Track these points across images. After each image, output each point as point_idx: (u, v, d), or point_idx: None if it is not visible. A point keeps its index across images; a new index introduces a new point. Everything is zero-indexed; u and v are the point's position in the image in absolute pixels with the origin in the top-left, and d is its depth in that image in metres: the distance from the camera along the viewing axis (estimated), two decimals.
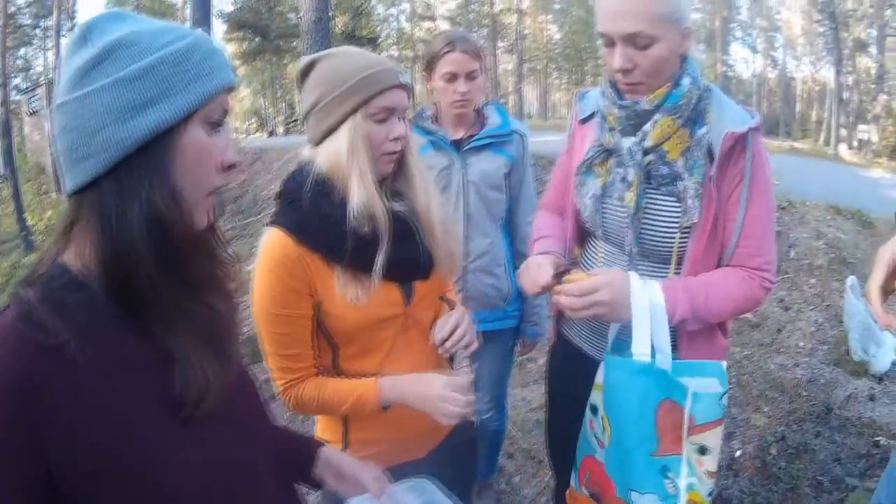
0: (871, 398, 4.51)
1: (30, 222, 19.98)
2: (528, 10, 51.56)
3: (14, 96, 31.55)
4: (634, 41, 1.81)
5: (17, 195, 20.48)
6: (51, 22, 33.44)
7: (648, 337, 1.82)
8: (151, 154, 1.02)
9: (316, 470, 1.52)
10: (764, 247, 1.97)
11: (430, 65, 2.89)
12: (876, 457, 3.94)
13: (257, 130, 53.43)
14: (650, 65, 1.84)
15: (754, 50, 54.13)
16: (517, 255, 3.08)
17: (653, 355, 1.82)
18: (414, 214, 1.86)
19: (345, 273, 1.77)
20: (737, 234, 1.94)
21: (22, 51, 41.32)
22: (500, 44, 50.91)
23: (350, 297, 1.76)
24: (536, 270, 1.99)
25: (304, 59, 1.85)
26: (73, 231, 1.06)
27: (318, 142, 1.79)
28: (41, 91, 29.36)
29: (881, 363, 4.80)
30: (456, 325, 1.88)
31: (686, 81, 1.89)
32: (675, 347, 1.95)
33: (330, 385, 1.84)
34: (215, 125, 1.10)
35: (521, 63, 52.33)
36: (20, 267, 17.08)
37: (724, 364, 1.81)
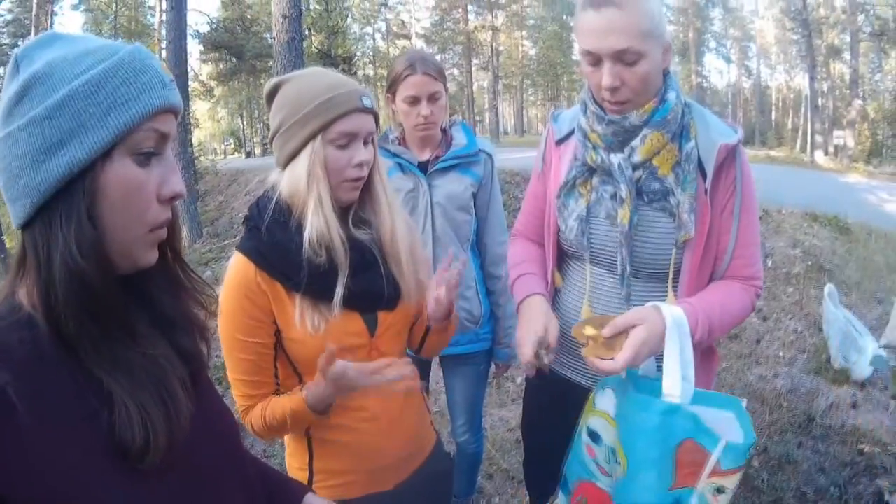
0: (854, 405, 4.55)
1: (7, 245, 19.91)
2: (503, 26, 51.84)
3: None
4: (623, 58, 1.79)
5: None
6: (29, 41, 33.45)
7: (679, 376, 1.77)
8: (70, 196, 0.95)
9: None
10: (754, 255, 1.99)
11: (391, 87, 2.85)
12: (861, 464, 3.95)
13: (234, 151, 53.49)
14: (638, 81, 1.82)
15: (728, 60, 55.07)
16: (487, 277, 3.04)
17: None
18: (379, 243, 1.83)
19: (303, 301, 1.74)
20: (732, 245, 1.95)
21: (0, 70, 41.43)
22: (475, 61, 51.15)
23: (309, 325, 1.72)
24: (544, 328, 1.90)
25: (271, 82, 1.83)
26: (23, 266, 1.01)
27: (283, 166, 1.77)
28: None
29: (862, 370, 4.84)
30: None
31: (671, 96, 1.88)
32: None
33: (268, 407, 1.80)
34: (149, 155, 1.02)
35: (497, 80, 52.57)
36: None
37: (744, 402, 1.78)
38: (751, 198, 1.94)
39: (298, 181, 1.70)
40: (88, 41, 1.02)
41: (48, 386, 0.95)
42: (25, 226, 0.98)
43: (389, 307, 1.86)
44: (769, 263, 7.07)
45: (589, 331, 1.79)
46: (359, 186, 1.79)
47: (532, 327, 1.92)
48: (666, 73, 1.92)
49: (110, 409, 0.98)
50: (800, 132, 44.15)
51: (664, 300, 1.95)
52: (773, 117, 57.01)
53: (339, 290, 1.72)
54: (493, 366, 3.24)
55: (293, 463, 1.97)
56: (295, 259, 1.70)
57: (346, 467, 1.90)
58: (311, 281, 1.71)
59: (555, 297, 2.24)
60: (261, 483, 1.39)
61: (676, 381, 1.76)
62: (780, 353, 5.49)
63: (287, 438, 2.00)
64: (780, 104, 58.13)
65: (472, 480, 3.61)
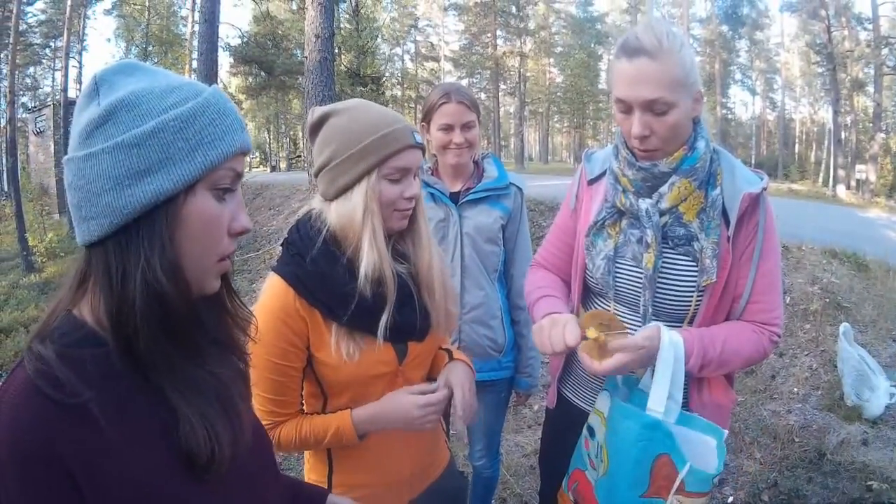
0: (864, 442, 4.55)
1: (31, 243, 20.03)
2: (531, 52, 51.90)
3: (21, 114, 31.69)
4: (652, 108, 1.85)
5: (19, 214, 20.74)
6: (61, 43, 33.64)
7: (666, 394, 1.86)
8: (153, 222, 1.01)
9: None
10: (773, 301, 2.02)
11: (426, 116, 2.93)
12: (868, 500, 3.98)
13: (259, 164, 53.54)
14: (667, 130, 1.88)
15: (753, 92, 54.54)
16: (513, 308, 3.11)
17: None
18: (415, 276, 1.88)
19: (339, 329, 1.78)
20: (748, 290, 1.99)
21: (31, 70, 41.74)
22: (502, 86, 51.17)
23: (344, 353, 1.76)
24: (563, 328, 1.89)
25: (317, 112, 1.85)
26: (87, 283, 1.06)
27: (332, 199, 1.80)
28: (48, 112, 29.39)
29: (875, 407, 4.86)
30: (462, 394, 1.87)
31: (701, 145, 1.95)
32: (686, 395, 2.03)
33: (306, 424, 1.86)
34: (225, 191, 1.09)
35: (523, 106, 52.59)
36: (19, 286, 17.23)
37: (725, 433, 1.85)
38: (771, 244, 1.98)
39: (353, 215, 1.73)
40: (169, 76, 1.09)
41: (124, 402, 1.01)
42: (94, 244, 1.03)
43: (420, 337, 1.91)
44: (787, 300, 7.04)
45: (592, 332, 1.86)
46: (408, 216, 1.84)
47: (560, 319, 1.94)
48: (696, 121, 1.98)
49: (176, 423, 1.04)
50: (822, 165, 43.91)
51: None
52: (797, 150, 56.56)
53: (384, 322, 1.77)
54: (513, 394, 3.30)
55: (312, 476, 2.02)
56: (340, 291, 1.75)
57: (364, 481, 1.96)
58: (356, 312, 1.75)
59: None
60: (288, 489, 1.48)
61: (662, 399, 1.86)
62: (795, 390, 5.51)
63: (307, 453, 2.06)
64: (804, 137, 57.76)
65: (487, 503, 3.67)
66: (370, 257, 1.73)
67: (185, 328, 1.07)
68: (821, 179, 41.42)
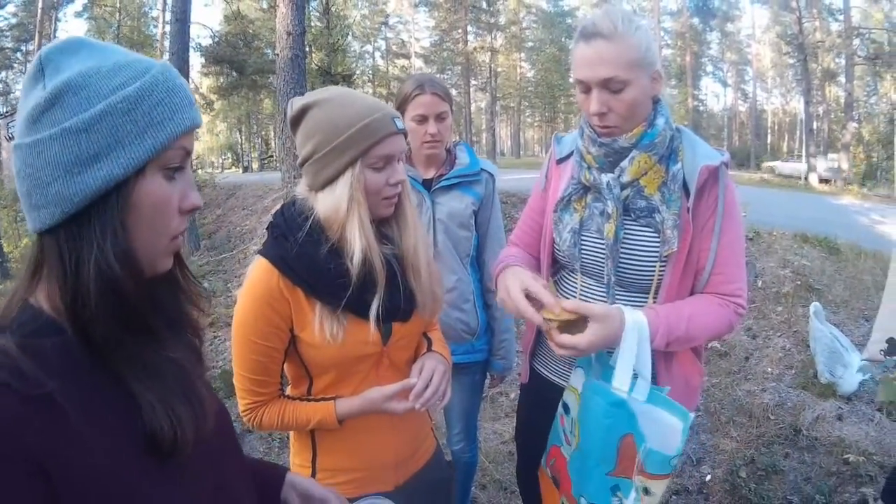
0: (839, 418, 4.65)
1: (6, 249, 19.80)
2: (502, 48, 51.98)
3: None
4: (608, 86, 1.94)
5: None
6: (32, 46, 33.22)
7: (630, 374, 1.91)
8: (104, 208, 0.98)
9: (282, 492, 1.53)
10: (736, 274, 2.07)
11: (400, 107, 2.94)
12: (846, 473, 4.07)
13: (232, 165, 53.14)
14: (624, 108, 1.96)
15: (725, 84, 54.89)
16: (486, 291, 3.14)
17: (634, 380, 1.91)
18: (400, 258, 1.90)
19: (323, 309, 1.78)
20: (711, 262, 2.04)
21: (2, 74, 41.21)
22: (473, 82, 51.19)
23: (328, 333, 1.77)
24: (520, 286, 1.98)
25: (297, 103, 1.83)
26: (41, 271, 1.03)
27: (318, 190, 1.81)
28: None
29: (848, 384, 4.96)
30: (430, 376, 1.88)
31: (660, 121, 2.02)
32: (654, 370, 2.03)
33: (289, 409, 1.89)
34: (176, 170, 1.06)
35: (494, 101, 52.68)
36: None
37: (693, 416, 1.87)
38: (732, 218, 2.04)
39: (338, 205, 1.75)
40: (117, 53, 1.04)
41: (87, 390, 0.98)
42: (46, 231, 1.00)
43: (404, 318, 1.92)
44: (759, 283, 7.16)
45: (548, 314, 1.89)
46: (394, 202, 1.86)
47: (518, 276, 2.03)
48: (657, 100, 2.05)
49: (139, 408, 1.01)
50: (794, 155, 44.24)
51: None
52: (769, 140, 56.99)
53: (375, 306, 1.79)
54: (488, 377, 3.34)
55: (296, 460, 2.04)
56: (327, 274, 1.76)
57: (349, 465, 1.97)
58: (343, 295, 1.76)
59: None
60: (248, 467, 1.46)
61: (626, 378, 1.91)
62: (769, 370, 5.61)
63: (292, 437, 2.08)
64: (776, 127, 58.23)
65: (467, 490, 3.69)
66: (360, 245, 1.74)
67: (141, 314, 1.05)
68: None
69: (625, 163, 2.03)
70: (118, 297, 0.99)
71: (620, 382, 1.91)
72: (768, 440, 4.51)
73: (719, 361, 5.91)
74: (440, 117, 2.90)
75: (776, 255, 7.90)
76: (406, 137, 1.90)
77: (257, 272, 1.81)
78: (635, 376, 1.92)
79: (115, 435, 0.99)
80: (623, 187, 2.04)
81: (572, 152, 2.23)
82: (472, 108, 55.31)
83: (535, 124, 66.55)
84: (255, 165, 49.28)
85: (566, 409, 2.14)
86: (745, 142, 55.17)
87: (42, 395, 0.90)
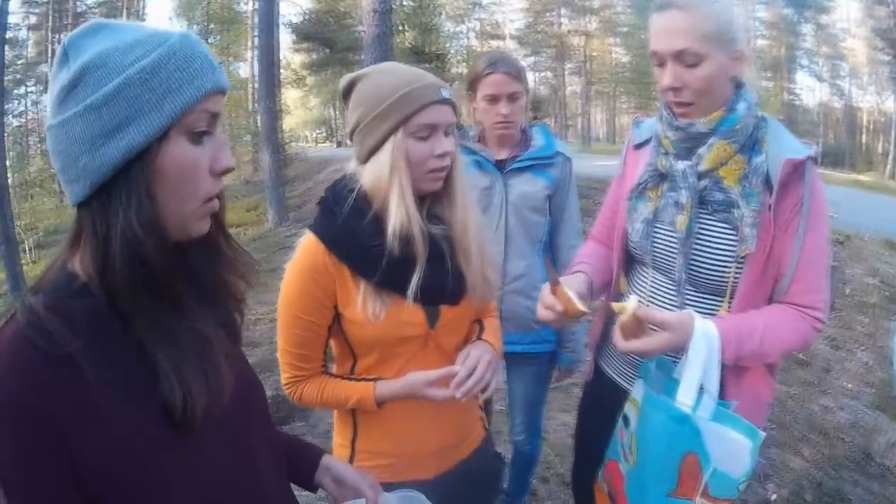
0: None
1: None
2: (595, 32, 51.18)
3: None
4: (682, 58, 1.82)
5: None
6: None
7: (696, 388, 1.78)
8: (129, 176, 1.02)
9: (316, 474, 1.56)
10: (817, 284, 1.91)
11: (472, 86, 2.89)
12: None
13: (326, 140, 53.96)
14: (699, 83, 1.84)
15: (819, 78, 52.85)
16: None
17: (700, 395, 1.79)
18: (449, 238, 1.84)
19: (367, 287, 1.78)
20: (792, 267, 1.88)
21: (120, 21, 42.96)
22: (567, 65, 50.72)
23: (370, 312, 1.76)
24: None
25: (346, 78, 1.86)
26: (79, 241, 1.08)
27: (364, 160, 1.79)
28: None
29: None
30: (474, 365, 1.83)
31: (741, 107, 1.87)
32: (722, 384, 1.90)
33: (330, 387, 1.89)
34: (202, 133, 1.09)
35: (588, 85, 52.02)
36: None
37: (762, 435, 1.76)
38: (818, 220, 1.86)
39: (381, 174, 1.73)
40: (136, 30, 1.07)
41: (110, 353, 1.03)
42: (82, 204, 1.05)
43: (453, 301, 1.88)
44: (846, 290, 6.86)
45: (624, 317, 1.79)
46: (441, 177, 1.81)
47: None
48: (740, 85, 1.92)
49: (157, 375, 1.05)
50: (889, 157, 42.70)
51: (717, 314, 1.94)
52: (864, 140, 55.04)
53: (414, 282, 1.75)
54: (556, 370, 3.24)
55: (337, 439, 2.05)
56: (367, 248, 1.74)
57: (388, 449, 1.95)
58: (385, 270, 1.74)
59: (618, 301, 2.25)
60: (284, 445, 1.50)
61: (692, 391, 1.78)
62: (848, 385, 5.34)
63: (335, 415, 2.08)
64: (870, 127, 56.19)
65: (525, 482, 3.62)
66: (398, 215, 1.71)
67: (166, 282, 1.08)
68: (887, 171, 40.17)
69: (702, 150, 1.89)
70: (143, 264, 1.03)
71: (685, 396, 1.78)
72: (838, 462, 4.27)
73: (798, 371, 5.64)
74: (512, 97, 2.80)
75: (865, 262, 7.58)
76: (455, 109, 1.83)
77: (304, 246, 1.83)
78: (701, 391, 1.79)
79: (134, 400, 1.04)
80: (700, 177, 1.91)
81: (651, 138, 2.11)
82: (567, 91, 54.67)
83: (630, 111, 65.03)
84: (348, 141, 50.15)
85: (626, 421, 2.01)
86: (839, 140, 53.15)
87: (65, 354, 0.96)
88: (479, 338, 2.00)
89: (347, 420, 2.00)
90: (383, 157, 1.72)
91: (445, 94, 1.76)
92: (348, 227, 1.76)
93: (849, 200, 10.23)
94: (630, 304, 1.77)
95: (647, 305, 2.04)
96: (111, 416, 1.00)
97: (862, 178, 31.59)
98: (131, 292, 1.03)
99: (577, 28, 49.00)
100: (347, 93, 1.84)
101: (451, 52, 45.85)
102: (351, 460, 1.96)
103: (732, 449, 1.75)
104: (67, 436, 0.96)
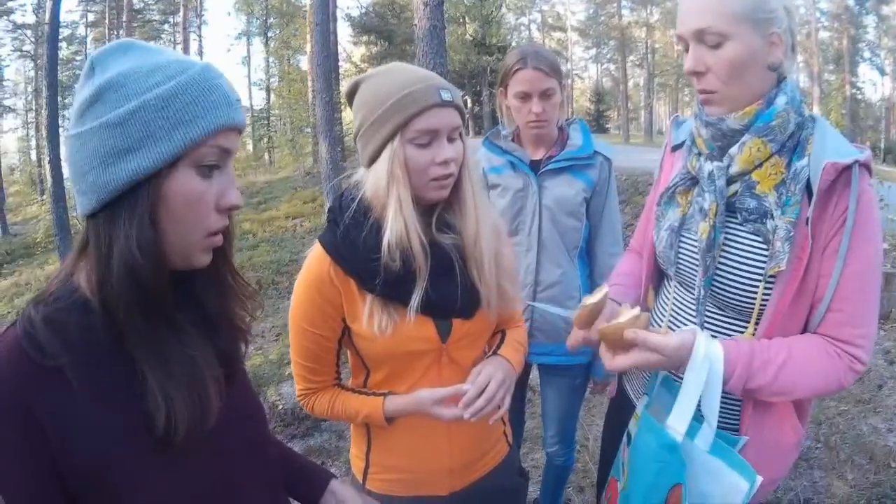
0: None
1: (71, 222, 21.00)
2: (657, 24, 50.67)
3: None
4: (703, 38, 1.62)
5: None
6: (179, 18, 34.94)
7: (690, 414, 1.64)
8: (135, 198, 1.04)
9: (322, 499, 1.58)
10: (861, 315, 1.62)
11: (503, 81, 2.76)
12: None
13: None
14: (724, 67, 1.61)
15: (882, 72, 51.09)
16: (594, 289, 2.87)
17: (699, 423, 1.66)
18: (460, 248, 1.75)
19: (374, 301, 1.71)
20: (830, 292, 1.60)
21: (151, 44, 44.51)
22: (630, 57, 50.37)
23: (376, 326, 1.70)
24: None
25: (351, 80, 1.80)
26: (85, 252, 1.11)
27: (367, 166, 1.73)
28: None
29: None
30: (485, 383, 1.74)
31: (781, 101, 1.62)
32: (739, 417, 1.76)
33: (341, 400, 1.87)
34: (211, 168, 1.11)
35: (651, 78, 51.55)
36: None
37: (759, 480, 1.60)
38: (866, 238, 1.58)
39: (379, 182, 1.66)
40: (162, 54, 1.11)
41: (99, 368, 1.07)
42: (89, 216, 1.08)
43: (466, 315, 1.79)
44: None
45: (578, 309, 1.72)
46: (447, 185, 1.71)
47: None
48: (781, 75, 1.66)
49: (145, 394, 1.09)
50: None
51: (741, 336, 1.74)
52: None
53: (417, 297, 1.68)
54: (591, 381, 3.11)
55: (354, 450, 2.02)
56: (367, 260, 1.67)
57: (401, 464, 1.91)
58: (385, 284, 1.67)
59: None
60: (283, 467, 1.53)
61: (685, 418, 1.64)
62: None
63: (352, 426, 2.03)
64: None
65: (558, 492, 3.51)
66: (395, 227, 1.64)
67: (160, 306, 1.10)
68: None
69: (734, 149, 1.66)
70: (137, 284, 1.06)
71: (676, 422, 1.65)
72: (883, 492, 3.95)
73: (851, 387, 5.33)
74: (545, 94, 2.65)
75: None
76: (461, 112, 1.73)
77: (311, 257, 1.79)
78: (702, 419, 1.65)
79: (120, 413, 1.08)
80: (731, 180, 1.69)
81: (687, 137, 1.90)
82: (630, 84, 54.22)
83: (693, 104, 64.86)
84: None
85: (629, 439, 1.88)
86: None
87: (53, 367, 1.02)
88: (495, 352, 1.90)
89: (362, 431, 1.96)
90: (381, 166, 1.65)
91: (447, 96, 1.65)
92: (350, 238, 1.71)
93: None
94: (591, 298, 1.70)
95: (660, 324, 1.94)
96: (95, 424, 1.05)
97: None
98: (127, 310, 1.06)
99: (639, 19, 48.67)
100: (351, 96, 1.76)
101: (513, 43, 45.69)
102: (366, 472, 1.95)
103: (726, 489, 1.64)
104: (50, 438, 1.01)
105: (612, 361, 1.64)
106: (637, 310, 1.62)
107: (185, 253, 1.13)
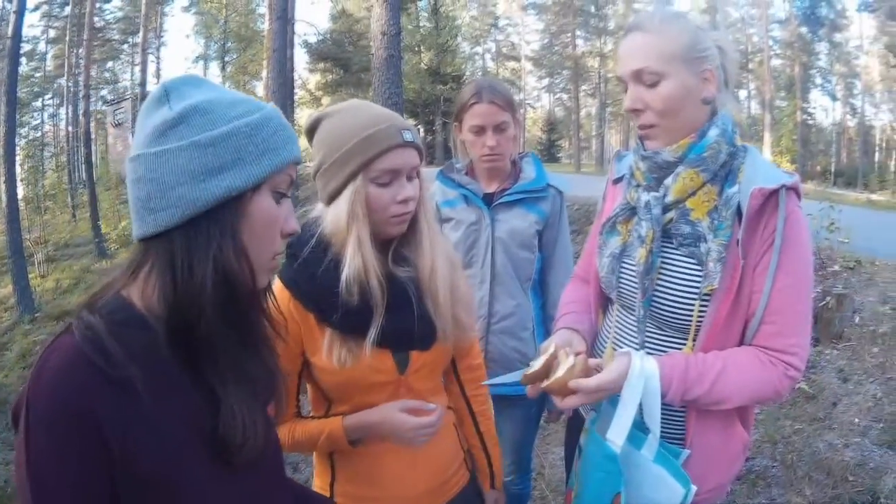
0: None
1: (104, 230, 20.83)
2: (611, 53, 51.18)
3: (101, 106, 33.80)
4: (641, 78, 1.76)
5: (93, 202, 21.67)
6: (138, 39, 34.82)
7: (626, 427, 1.72)
8: (222, 215, 1.11)
9: None
10: (792, 325, 1.74)
11: (458, 116, 2.80)
12: None
13: None
14: (660, 104, 1.75)
15: (833, 97, 52.33)
16: (547, 320, 2.92)
17: (645, 434, 1.77)
18: (416, 281, 1.79)
19: (333, 334, 1.74)
20: (763, 306, 1.73)
21: (110, 64, 44.05)
22: (582, 87, 50.82)
23: (335, 359, 1.73)
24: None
25: (311, 116, 1.82)
26: (139, 271, 1.15)
27: (326, 203, 1.75)
28: (126, 105, 30.73)
29: None
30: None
31: (713, 133, 1.76)
32: (684, 427, 1.86)
33: (300, 427, 1.86)
34: (282, 195, 1.20)
35: (603, 107, 52.05)
36: (90, 271, 18.31)
37: (694, 489, 1.72)
38: (794, 256, 1.71)
39: (339, 220, 1.69)
40: (231, 91, 1.20)
41: (166, 382, 1.10)
42: (154, 236, 1.11)
43: (423, 346, 1.82)
44: (857, 319, 6.66)
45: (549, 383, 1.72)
46: (405, 221, 1.76)
47: (542, 347, 1.87)
48: (714, 109, 1.81)
49: (215, 408, 1.13)
50: None
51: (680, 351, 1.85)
52: (877, 159, 54.39)
53: (374, 331, 1.71)
54: (545, 411, 3.15)
55: (317, 482, 2.00)
56: (326, 294, 1.70)
57: (366, 493, 1.90)
58: (343, 318, 1.70)
59: (594, 340, 2.16)
60: (294, 492, 1.55)
61: (622, 431, 1.72)
62: (856, 420, 5.08)
63: (315, 457, 2.04)
64: (885, 145, 55.54)
65: None
66: (353, 264, 1.68)
67: (247, 316, 1.20)
68: None
69: (669, 180, 1.80)
70: (233, 293, 1.12)
71: (615, 435, 1.73)
72: None
73: (805, 405, 5.40)
74: (499, 128, 2.70)
75: (877, 289, 7.33)
76: (420, 152, 1.78)
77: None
78: (646, 430, 1.75)
79: (186, 429, 1.12)
80: (666, 209, 1.81)
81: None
82: (582, 113, 54.62)
83: None
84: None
85: (580, 451, 1.97)
86: (853, 160, 52.54)
87: (122, 376, 1.02)
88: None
89: (326, 463, 1.95)
90: (342, 205, 1.68)
91: (409, 136, 1.70)
92: (309, 272, 1.74)
93: (862, 222, 9.96)
94: (536, 362, 1.77)
95: (604, 345, 2.03)
96: (159, 432, 1.07)
97: (875, 197, 31.27)
98: (213, 322, 1.11)
99: (593, 49, 49.17)
100: (312, 131, 1.79)
101: (468, 73, 46.15)
102: None
103: (667, 495, 1.74)
104: (111, 441, 1.01)
105: (563, 403, 1.71)
106: (572, 358, 1.70)
107: (257, 272, 1.19)
